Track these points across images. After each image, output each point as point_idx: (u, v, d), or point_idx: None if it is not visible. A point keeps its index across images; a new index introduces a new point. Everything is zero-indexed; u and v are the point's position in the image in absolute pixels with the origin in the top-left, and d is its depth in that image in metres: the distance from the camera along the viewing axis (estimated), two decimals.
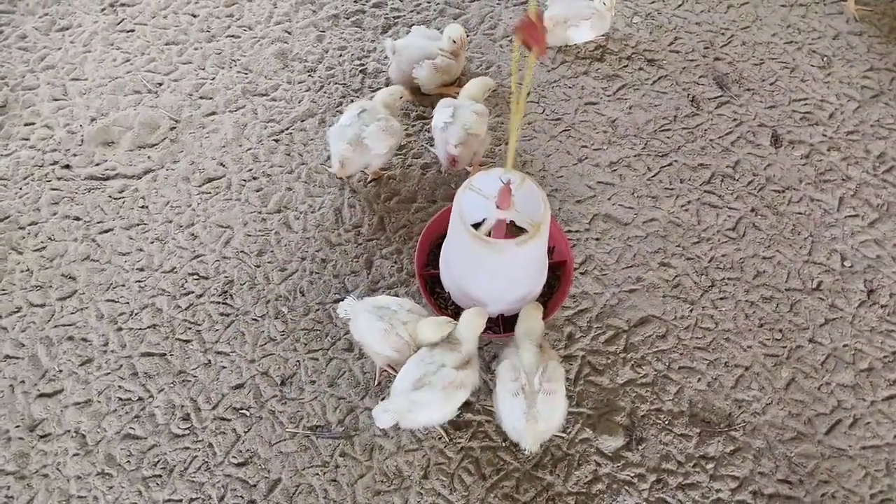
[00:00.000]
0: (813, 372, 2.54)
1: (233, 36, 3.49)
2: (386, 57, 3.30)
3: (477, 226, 2.29)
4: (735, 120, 3.20)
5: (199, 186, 2.99)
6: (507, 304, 2.46)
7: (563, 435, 2.39)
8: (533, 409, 2.10)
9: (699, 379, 2.52)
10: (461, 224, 2.23)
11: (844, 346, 2.60)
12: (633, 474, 2.34)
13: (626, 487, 2.31)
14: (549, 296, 2.58)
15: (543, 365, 2.16)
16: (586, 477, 2.33)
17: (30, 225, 2.88)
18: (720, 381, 2.52)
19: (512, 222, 2.31)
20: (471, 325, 2.20)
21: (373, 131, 2.73)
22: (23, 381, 2.51)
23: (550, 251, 2.67)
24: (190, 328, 2.62)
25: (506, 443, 2.37)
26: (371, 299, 2.35)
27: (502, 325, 2.50)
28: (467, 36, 3.17)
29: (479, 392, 2.45)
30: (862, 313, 2.67)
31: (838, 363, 2.56)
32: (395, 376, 2.24)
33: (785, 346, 2.59)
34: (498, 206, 2.23)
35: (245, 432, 2.41)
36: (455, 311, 2.46)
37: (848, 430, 2.43)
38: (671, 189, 2.98)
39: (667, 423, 2.43)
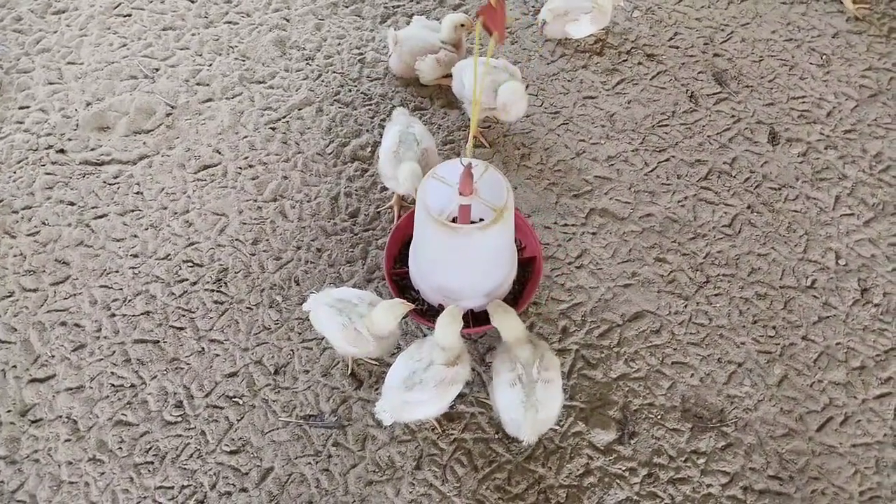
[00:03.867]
0: (805, 369, 2.55)
1: (231, 22, 3.47)
2: (385, 46, 3.28)
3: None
4: (733, 117, 3.20)
5: (195, 173, 2.97)
6: (474, 297, 2.44)
7: (556, 428, 2.39)
8: (532, 398, 2.08)
9: (692, 374, 2.53)
10: (424, 211, 2.22)
11: (837, 343, 2.61)
12: (624, 468, 2.34)
13: (618, 481, 2.32)
14: (520, 294, 2.54)
15: (539, 356, 2.15)
16: (578, 470, 2.33)
17: (23, 209, 2.86)
18: (713, 377, 2.53)
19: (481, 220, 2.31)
20: (448, 330, 2.13)
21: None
22: (14, 366, 2.50)
23: (521, 249, 2.66)
24: (184, 315, 2.61)
25: (498, 434, 2.37)
26: (333, 291, 2.32)
27: (472, 321, 2.47)
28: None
29: (472, 384, 2.45)
30: (855, 312, 2.68)
31: (831, 361, 2.57)
32: (374, 365, 2.23)
33: (778, 343, 2.60)
34: (460, 193, 2.22)
35: (238, 420, 2.40)
36: (425, 309, 2.47)
37: (839, 427, 2.44)
38: (668, 185, 2.98)
39: (659, 417, 2.44)
